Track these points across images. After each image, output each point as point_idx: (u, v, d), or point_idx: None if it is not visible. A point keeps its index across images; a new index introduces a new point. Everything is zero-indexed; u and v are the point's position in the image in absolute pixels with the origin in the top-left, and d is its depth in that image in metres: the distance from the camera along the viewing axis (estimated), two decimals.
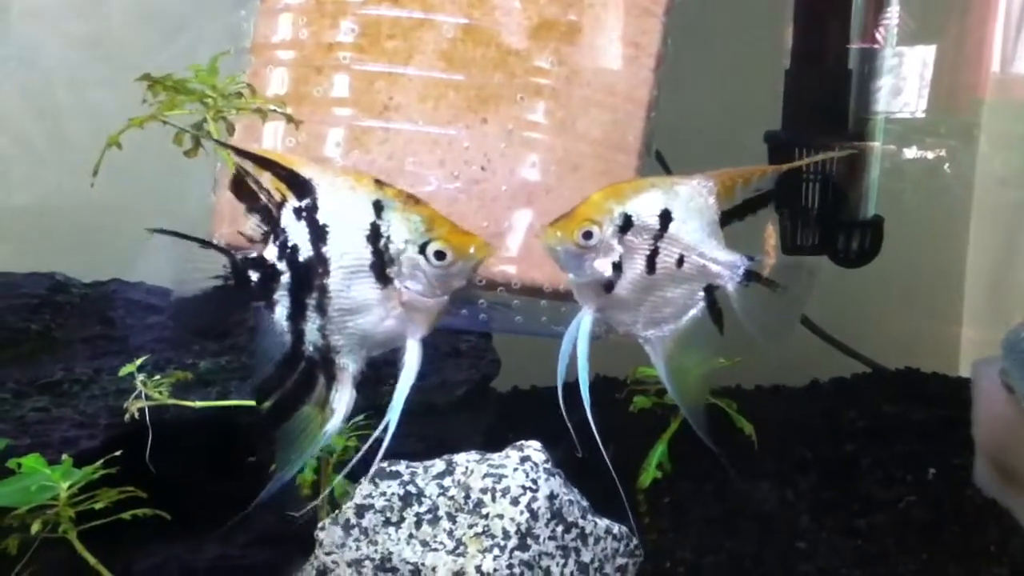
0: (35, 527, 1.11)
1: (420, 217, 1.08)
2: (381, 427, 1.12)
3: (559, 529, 1.23)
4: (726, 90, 2.16)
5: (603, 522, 1.28)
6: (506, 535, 1.19)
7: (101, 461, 1.19)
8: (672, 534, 1.64)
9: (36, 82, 2.13)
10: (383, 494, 1.22)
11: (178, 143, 1.21)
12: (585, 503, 1.28)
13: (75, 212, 2.05)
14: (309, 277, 1.08)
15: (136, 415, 1.28)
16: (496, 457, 1.26)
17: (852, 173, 2.13)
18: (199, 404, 1.33)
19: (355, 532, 1.20)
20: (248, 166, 1.07)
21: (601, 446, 1.21)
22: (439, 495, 1.22)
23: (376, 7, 1.63)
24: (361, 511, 1.21)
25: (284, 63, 1.67)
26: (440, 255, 1.08)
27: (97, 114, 2.08)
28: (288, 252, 1.08)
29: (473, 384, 1.64)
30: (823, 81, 2.12)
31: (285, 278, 1.09)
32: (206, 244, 1.10)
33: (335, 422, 1.13)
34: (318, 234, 1.07)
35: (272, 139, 1.63)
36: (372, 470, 1.16)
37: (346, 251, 1.08)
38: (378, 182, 1.09)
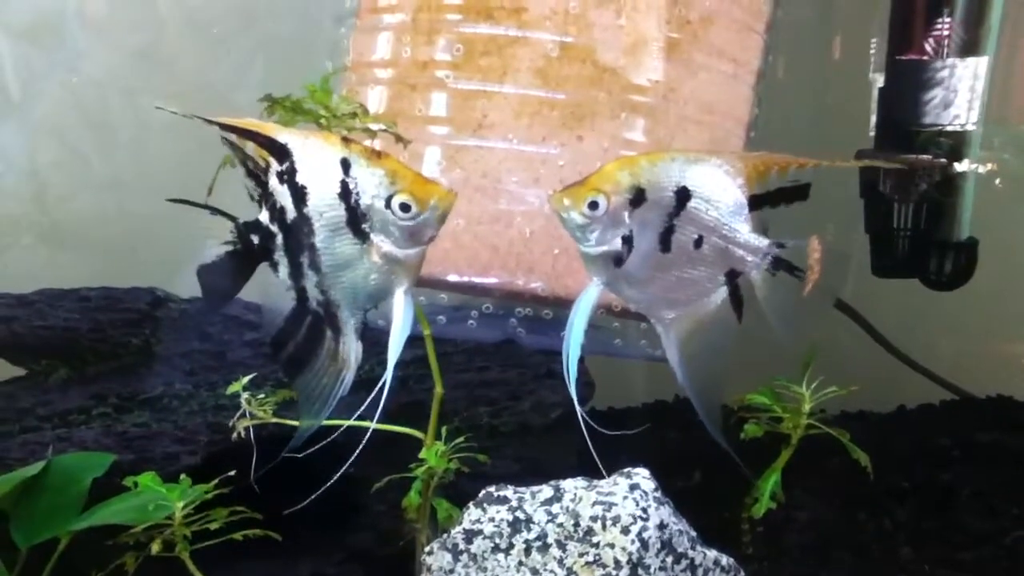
0: (155, 547, 1.12)
1: (383, 171, 1.11)
2: (379, 385, 1.16)
3: (669, 559, 1.20)
4: (821, 108, 2.12)
5: (712, 553, 1.25)
6: (617, 565, 1.17)
7: (216, 480, 1.19)
8: (768, 564, 1.60)
9: (88, 91, 2.18)
10: (491, 519, 1.20)
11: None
12: (693, 533, 1.25)
13: (124, 220, 2.10)
14: (298, 237, 1.13)
15: (242, 433, 1.27)
16: (604, 484, 1.23)
17: (947, 194, 2.07)
18: (304, 422, 1.32)
19: (464, 558, 1.19)
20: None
21: (583, 421, 1.22)
22: (548, 522, 1.20)
23: (472, 25, 1.63)
24: (470, 536, 1.19)
25: (381, 81, 1.68)
26: (405, 207, 1.11)
27: (146, 124, 2.13)
28: (278, 214, 1.13)
29: (568, 406, 1.61)
30: (916, 98, 2.06)
31: (279, 239, 1.14)
32: (215, 211, 1.15)
33: (349, 372, 1.19)
34: (299, 195, 1.12)
35: None
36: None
37: (324, 210, 1.12)
38: (345, 139, 1.13)
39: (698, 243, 1.17)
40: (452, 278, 1.58)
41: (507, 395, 1.60)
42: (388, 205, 1.11)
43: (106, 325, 1.63)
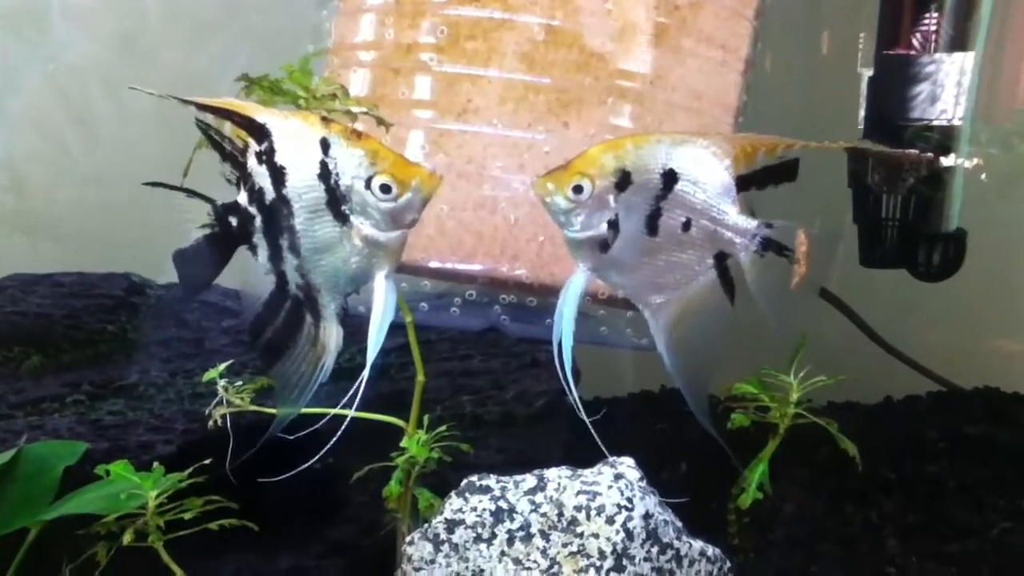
0: (127, 537, 1.09)
1: (364, 152, 1.08)
2: (361, 376, 1.13)
3: (654, 550, 1.18)
4: (807, 98, 2.10)
5: (697, 543, 1.23)
6: (602, 555, 1.15)
7: (190, 470, 1.16)
8: (754, 555, 1.58)
9: (69, 81, 2.15)
10: (474, 509, 1.17)
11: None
12: (679, 523, 1.24)
13: (105, 211, 2.07)
14: (278, 219, 1.10)
15: (219, 422, 1.24)
16: (588, 473, 1.21)
17: (935, 186, 2.06)
18: (283, 411, 1.30)
19: (445, 548, 1.16)
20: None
21: (577, 403, 1.19)
22: (531, 511, 1.17)
23: (456, 8, 1.60)
24: (452, 526, 1.17)
25: (363, 64, 1.64)
26: (385, 188, 1.09)
27: (128, 113, 2.11)
28: (257, 196, 1.10)
29: (553, 395, 1.59)
30: (904, 92, 2.05)
31: (258, 221, 1.11)
32: (192, 193, 1.12)
33: (329, 358, 1.16)
34: (278, 176, 1.09)
35: None
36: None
37: (303, 191, 1.09)
38: (324, 119, 1.10)
39: (686, 226, 1.15)
40: (435, 264, 1.55)
41: (491, 384, 1.58)
42: (368, 186, 1.08)
43: (81, 311, 1.60)
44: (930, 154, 2.01)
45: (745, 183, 1.15)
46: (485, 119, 1.58)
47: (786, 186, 1.33)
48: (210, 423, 1.24)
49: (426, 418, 1.29)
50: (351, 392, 1.15)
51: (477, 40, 1.58)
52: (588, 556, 1.14)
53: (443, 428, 1.27)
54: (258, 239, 1.12)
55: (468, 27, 1.58)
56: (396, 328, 1.65)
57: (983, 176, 2.18)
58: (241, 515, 1.27)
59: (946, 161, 2.04)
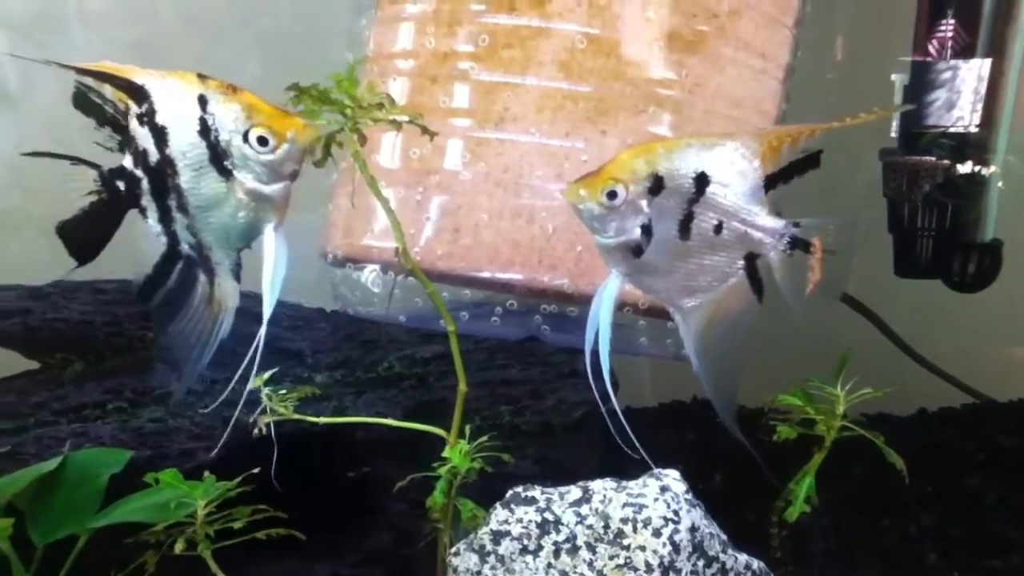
0: (179, 546, 1.09)
1: (240, 106, 1.10)
2: (260, 332, 1.13)
3: (700, 563, 1.17)
4: (840, 104, 2.09)
5: (743, 557, 1.22)
6: (649, 568, 1.14)
7: (239, 479, 1.16)
8: (794, 568, 1.56)
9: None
10: (519, 520, 1.17)
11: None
12: (724, 536, 1.23)
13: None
14: (163, 179, 1.11)
15: (263, 430, 1.24)
16: (634, 485, 1.21)
17: (970, 195, 2.04)
18: (323, 420, 1.30)
19: (491, 559, 1.16)
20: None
21: (615, 405, 1.20)
22: (577, 523, 1.17)
23: (494, 16, 1.60)
24: (497, 537, 1.16)
25: (401, 73, 1.64)
26: (262, 141, 1.10)
27: None
28: (141, 158, 1.11)
29: (591, 405, 1.58)
30: (942, 96, 2.03)
31: (145, 183, 1.12)
32: (76, 160, 1.14)
33: (227, 315, 1.17)
34: (160, 136, 1.10)
35: (391, 149, 1.60)
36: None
37: (185, 149, 1.11)
38: (201, 76, 1.11)
39: (717, 228, 1.15)
40: (474, 274, 1.55)
41: (529, 394, 1.57)
42: (246, 140, 1.10)
43: (122, 318, 1.60)
44: (965, 162, 1.99)
45: (773, 181, 1.16)
46: (523, 128, 1.58)
47: (819, 195, 1.32)
48: (255, 431, 1.24)
49: (467, 428, 1.28)
50: (249, 355, 1.14)
51: (515, 48, 1.58)
52: (635, 569, 1.14)
53: (484, 438, 1.26)
54: (146, 201, 1.13)
55: (505, 35, 1.58)
56: (436, 337, 1.65)
57: (999, 184, 2.17)
58: (278, 523, 1.27)
59: (982, 170, 2.02)
